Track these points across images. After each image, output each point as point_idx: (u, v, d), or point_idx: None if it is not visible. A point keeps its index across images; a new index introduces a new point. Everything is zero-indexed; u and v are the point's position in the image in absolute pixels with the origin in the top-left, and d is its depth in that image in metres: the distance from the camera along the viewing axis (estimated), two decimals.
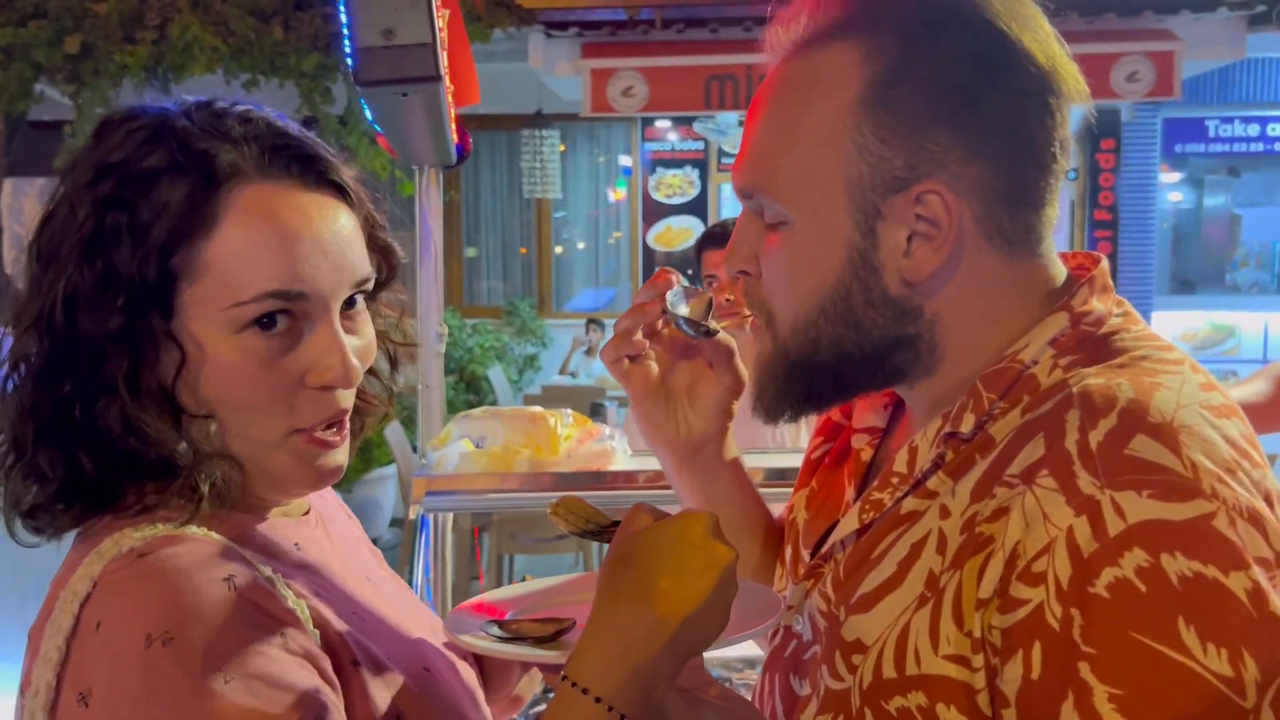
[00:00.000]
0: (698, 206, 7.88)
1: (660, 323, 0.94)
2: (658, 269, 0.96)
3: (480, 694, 0.96)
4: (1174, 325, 8.13)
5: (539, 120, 7.64)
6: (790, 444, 2.28)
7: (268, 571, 0.77)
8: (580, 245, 9.06)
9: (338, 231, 0.81)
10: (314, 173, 0.82)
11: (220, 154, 0.77)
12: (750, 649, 1.01)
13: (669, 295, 0.92)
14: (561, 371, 7.54)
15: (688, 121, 7.55)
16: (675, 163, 7.89)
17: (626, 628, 0.69)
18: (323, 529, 0.92)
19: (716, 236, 2.32)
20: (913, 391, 0.84)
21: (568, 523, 0.87)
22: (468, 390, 7.53)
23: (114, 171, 0.77)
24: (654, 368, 0.95)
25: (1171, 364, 0.75)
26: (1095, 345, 0.77)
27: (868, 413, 0.93)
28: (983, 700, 0.70)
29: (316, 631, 0.78)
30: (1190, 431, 0.68)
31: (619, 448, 1.69)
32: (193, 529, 0.77)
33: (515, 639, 0.81)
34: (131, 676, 0.69)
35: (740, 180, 0.82)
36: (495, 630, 0.82)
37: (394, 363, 0.96)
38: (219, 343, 0.77)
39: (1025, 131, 0.76)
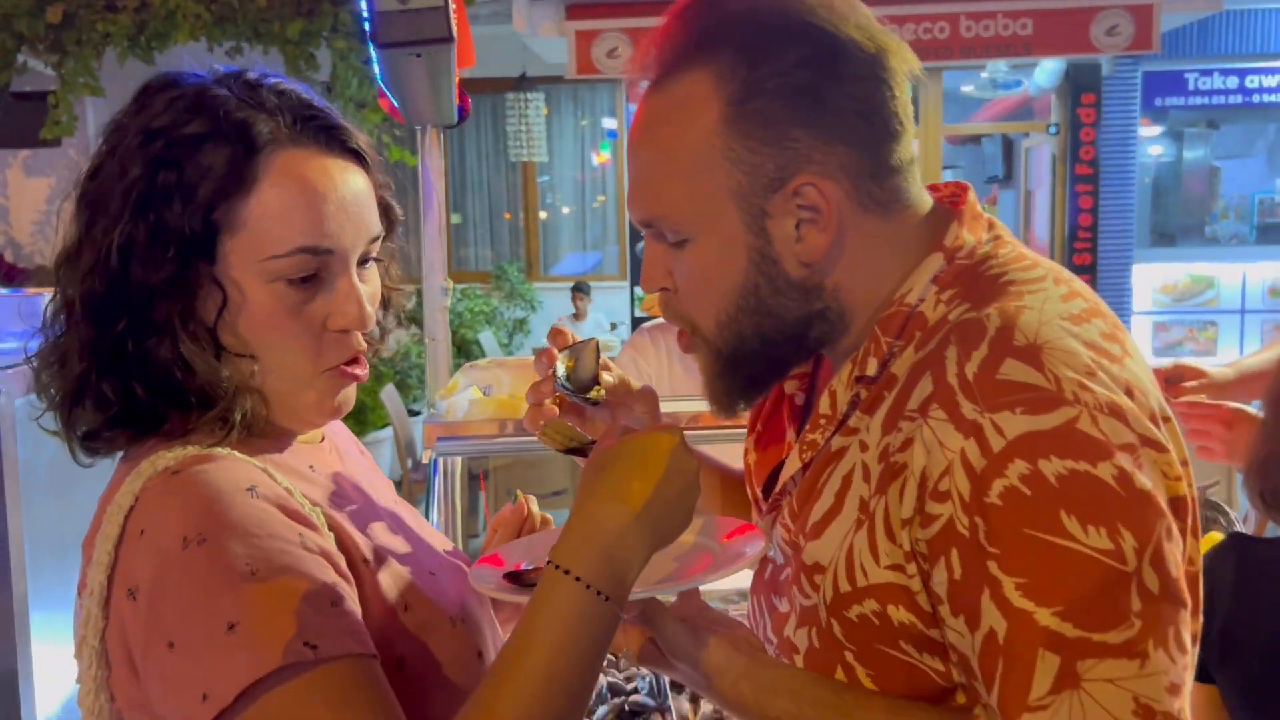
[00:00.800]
0: None
1: (555, 398, 1.04)
2: (551, 332, 1.06)
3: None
4: (1153, 278, 8.22)
5: (523, 83, 7.63)
6: None
7: (286, 483, 0.86)
8: (565, 210, 9.08)
9: (358, 193, 0.90)
10: (336, 140, 0.91)
11: (258, 123, 0.86)
12: (742, 581, 1.11)
13: (558, 371, 1.03)
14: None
15: None
16: None
17: (603, 521, 0.81)
18: (335, 455, 1.01)
19: None
20: (835, 350, 0.93)
21: (555, 441, 1.01)
22: (459, 354, 7.59)
23: (162, 135, 0.84)
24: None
25: (1034, 282, 0.85)
26: (970, 275, 0.87)
27: None
28: (921, 599, 0.82)
29: (331, 534, 0.86)
30: (1051, 346, 0.78)
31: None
32: (220, 450, 0.85)
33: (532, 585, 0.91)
34: (172, 574, 0.77)
35: (636, 214, 0.91)
36: (513, 583, 0.92)
37: (386, 304, 1.04)
38: (254, 289, 0.86)
39: (869, 111, 0.85)
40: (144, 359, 0.85)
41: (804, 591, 0.90)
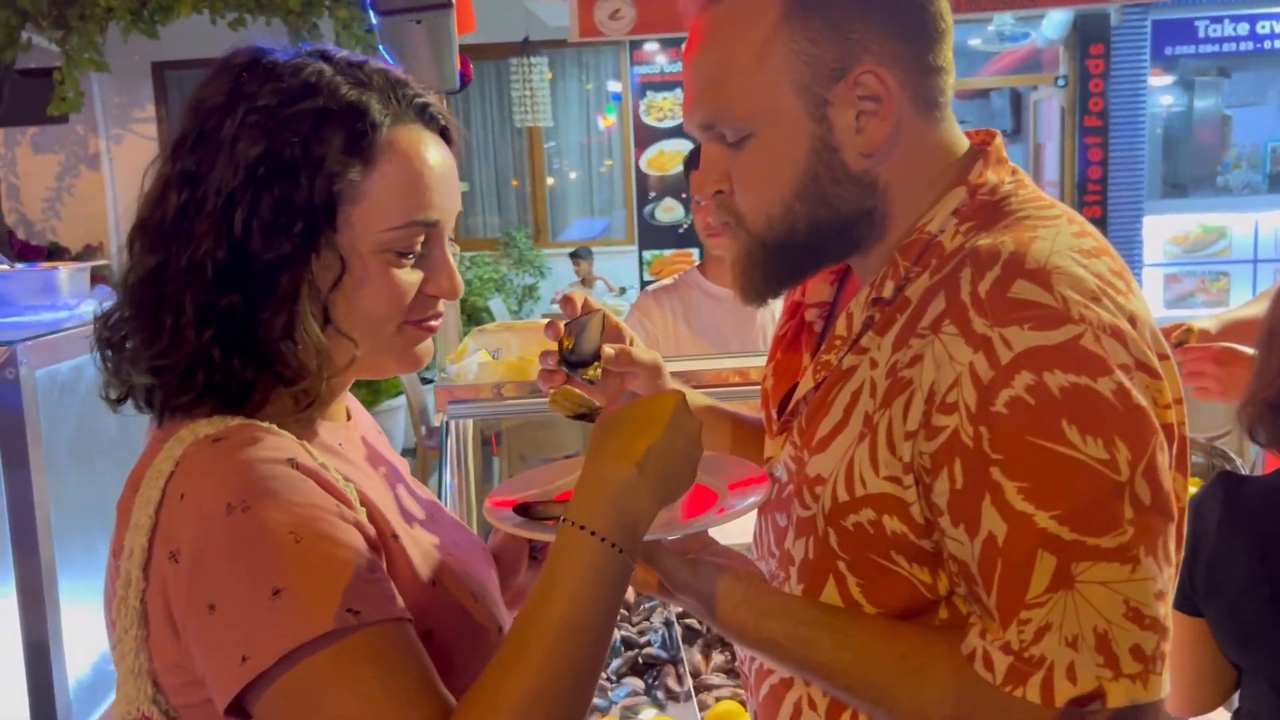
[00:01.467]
0: None
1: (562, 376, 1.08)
2: (561, 300, 1.11)
3: (494, 572, 1.10)
4: (1165, 229, 8.17)
5: (527, 47, 7.61)
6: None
7: (321, 458, 0.88)
8: (573, 175, 9.06)
9: (452, 168, 0.95)
10: (431, 117, 0.94)
11: (372, 100, 0.89)
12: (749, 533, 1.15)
13: (562, 356, 1.08)
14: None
15: (677, 43, 7.51)
16: (665, 85, 7.84)
17: (612, 479, 0.84)
18: (359, 433, 1.03)
19: (696, 158, 2.44)
20: (865, 261, 0.98)
21: (564, 408, 1.05)
22: (469, 322, 7.63)
23: (280, 111, 0.86)
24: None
25: (1049, 219, 0.90)
26: (990, 210, 0.92)
27: (818, 289, 1.09)
28: (915, 510, 0.87)
29: (363, 509, 0.89)
30: (1060, 271, 0.83)
31: None
32: (261, 423, 0.87)
33: (544, 518, 0.95)
34: (216, 539, 0.79)
35: (698, 118, 0.94)
36: (526, 516, 0.96)
37: None
38: (368, 259, 0.89)
39: (918, 7, 0.91)
40: (256, 330, 0.87)
41: (804, 503, 0.95)
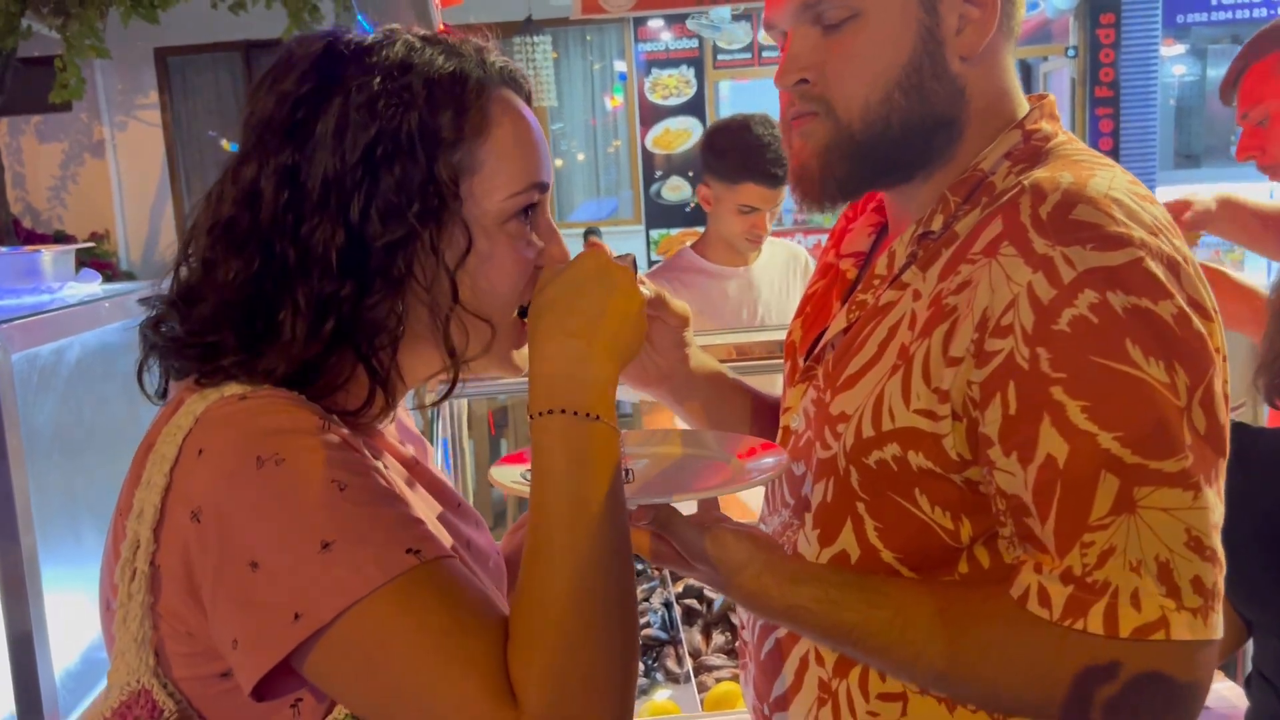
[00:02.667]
0: (695, 106, 7.83)
1: None
2: (589, 242, 1.04)
3: (503, 576, 1.05)
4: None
5: (529, 26, 7.55)
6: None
7: (346, 432, 0.82)
8: (580, 156, 9.03)
9: (541, 132, 0.91)
10: (516, 82, 0.90)
11: (470, 68, 0.85)
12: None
13: None
14: None
15: (680, 19, 7.46)
16: (670, 63, 7.81)
17: (559, 357, 0.80)
18: (395, 429, 0.99)
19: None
20: (915, 197, 0.96)
21: None
22: None
23: (384, 89, 0.81)
24: None
25: (1105, 165, 0.89)
26: (1039, 153, 0.92)
27: (856, 239, 1.07)
28: (948, 443, 0.86)
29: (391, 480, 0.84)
30: (1120, 202, 0.82)
31: None
32: (288, 392, 0.81)
33: None
34: (246, 493, 0.74)
35: None
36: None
37: None
38: (492, 231, 0.86)
39: None
40: (368, 319, 0.82)
41: (825, 443, 0.94)
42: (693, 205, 7.78)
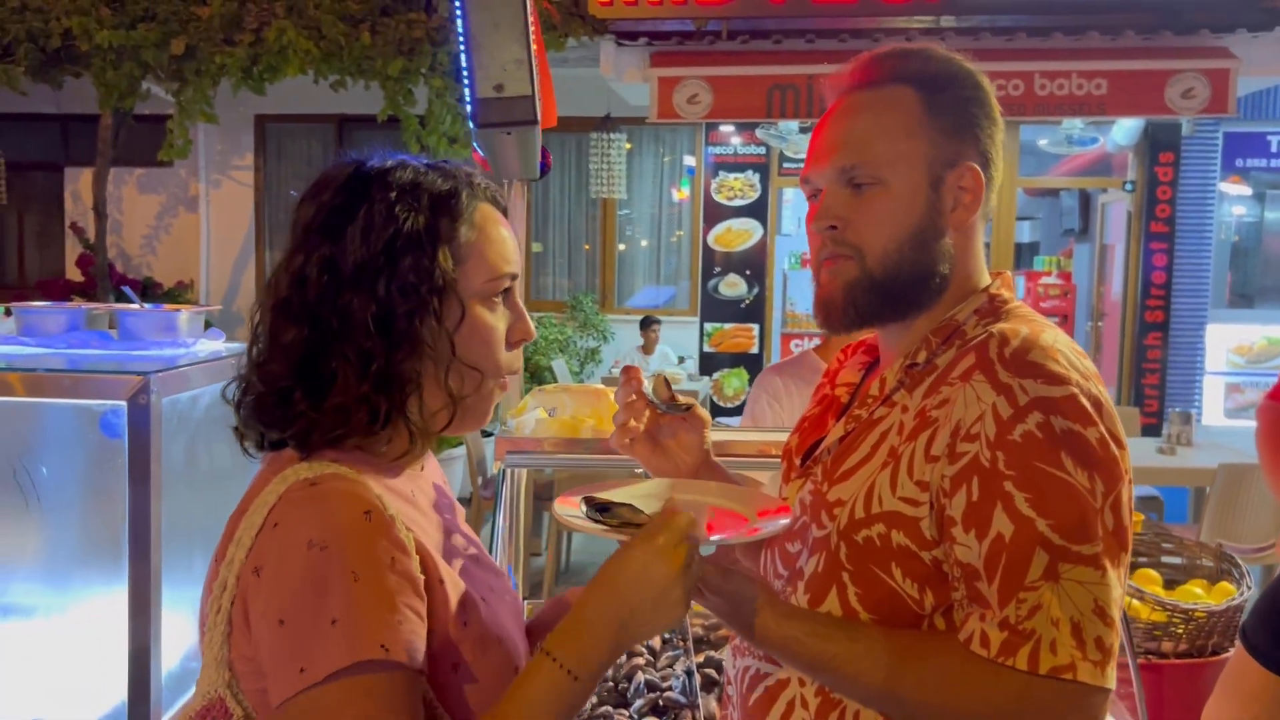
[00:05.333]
0: (758, 209, 8.09)
1: (646, 412, 1.33)
2: (625, 368, 1.34)
3: (521, 619, 1.27)
4: (1228, 338, 8.15)
5: (607, 123, 7.91)
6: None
7: (392, 511, 1.05)
8: (644, 243, 9.34)
9: (515, 236, 1.19)
10: (497, 200, 1.18)
11: (461, 187, 1.13)
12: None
13: (645, 390, 1.32)
14: (619, 365, 7.84)
15: (751, 127, 7.78)
16: (737, 166, 8.10)
17: (598, 629, 1.00)
18: (428, 484, 1.21)
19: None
20: (903, 337, 1.21)
21: (660, 391, 1.31)
22: (532, 380, 7.86)
23: (397, 203, 1.08)
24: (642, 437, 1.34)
25: (1050, 326, 1.15)
26: (1002, 313, 1.18)
27: (849, 374, 1.35)
28: (924, 525, 1.09)
29: (417, 557, 1.03)
30: (1063, 353, 1.09)
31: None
32: (349, 472, 1.03)
33: (606, 518, 1.10)
34: (295, 566, 0.97)
35: (842, 160, 1.18)
36: (591, 511, 1.11)
37: None
38: (474, 305, 1.11)
39: (994, 139, 1.21)
40: (397, 373, 1.07)
41: (820, 524, 1.17)
42: (747, 302, 8.02)
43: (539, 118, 1.48)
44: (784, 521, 1.16)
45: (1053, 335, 1.11)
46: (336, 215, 1.08)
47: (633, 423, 1.33)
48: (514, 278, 1.15)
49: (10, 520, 1.81)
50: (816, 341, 2.76)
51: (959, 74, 1.21)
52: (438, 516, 1.17)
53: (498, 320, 1.14)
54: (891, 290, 1.17)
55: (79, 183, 9.16)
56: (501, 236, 1.14)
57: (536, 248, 9.33)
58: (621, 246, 9.33)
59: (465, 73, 1.48)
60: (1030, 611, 1.01)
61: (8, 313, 2.14)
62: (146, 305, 2.19)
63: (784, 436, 1.41)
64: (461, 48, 1.47)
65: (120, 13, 6.97)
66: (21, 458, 1.81)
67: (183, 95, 7.13)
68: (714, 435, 1.39)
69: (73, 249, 9.18)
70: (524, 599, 2.27)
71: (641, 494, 1.22)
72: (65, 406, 1.76)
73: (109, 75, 7.04)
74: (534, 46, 1.72)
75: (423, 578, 1.03)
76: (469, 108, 1.46)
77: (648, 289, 9.33)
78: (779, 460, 1.41)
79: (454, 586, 1.09)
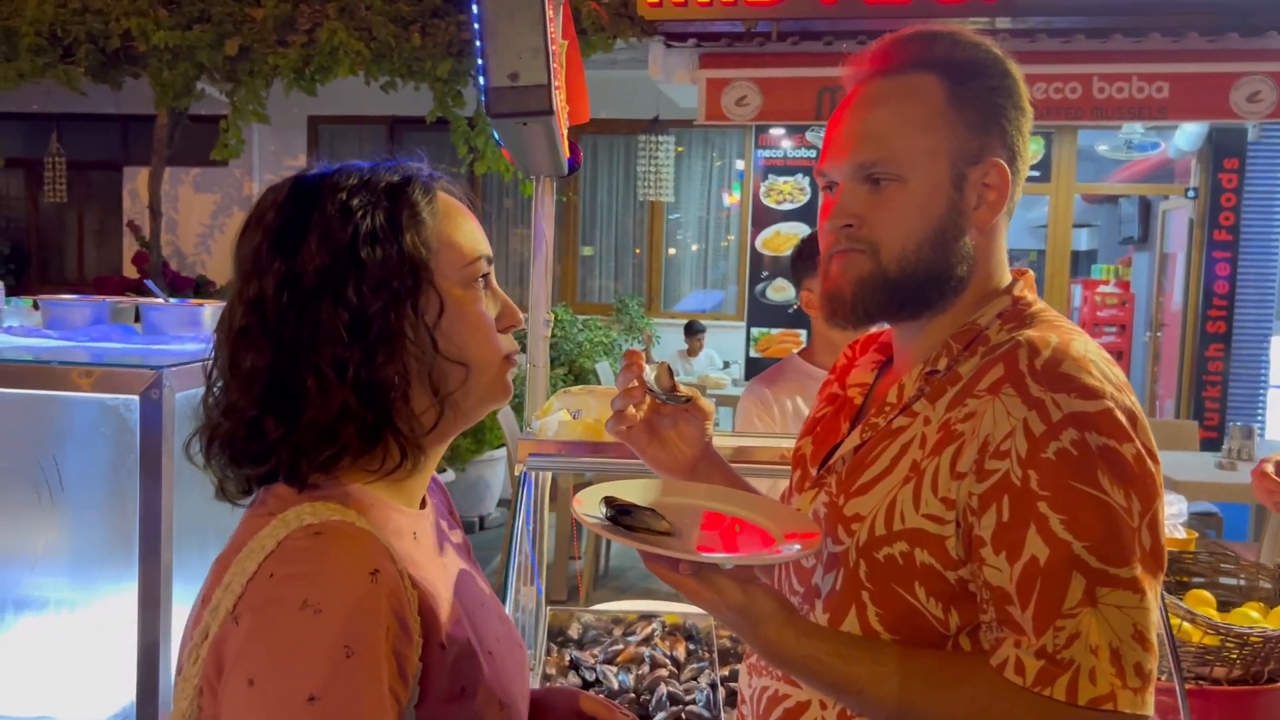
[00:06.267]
0: (807, 213, 7.99)
1: (646, 400, 1.28)
2: (628, 351, 1.29)
3: (526, 672, 1.17)
4: None
5: (655, 126, 7.90)
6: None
7: (399, 563, 0.95)
8: (694, 247, 9.29)
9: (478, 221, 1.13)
10: (452, 189, 1.11)
11: (414, 176, 1.06)
12: None
13: (646, 378, 1.27)
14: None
15: (801, 130, 7.70)
16: (787, 169, 8.02)
17: None
18: (431, 522, 1.11)
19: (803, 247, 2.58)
20: (918, 340, 1.15)
21: (663, 379, 1.26)
22: (575, 382, 7.84)
23: (351, 202, 1.01)
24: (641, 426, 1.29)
25: (1079, 331, 1.10)
26: (1026, 317, 1.12)
27: (861, 373, 1.27)
28: (950, 544, 1.03)
29: (419, 618, 0.95)
30: (1095, 363, 1.03)
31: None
32: (355, 519, 0.95)
33: (619, 524, 1.05)
34: (280, 624, 0.87)
35: (859, 157, 1.11)
36: (609, 513, 1.06)
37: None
38: (458, 293, 1.04)
39: (1022, 130, 1.14)
40: (379, 379, 0.98)
41: (837, 539, 1.11)
42: (794, 308, 7.93)
43: (555, 108, 1.44)
44: (797, 549, 1.07)
45: (1083, 344, 1.06)
46: (287, 229, 1.00)
47: (631, 410, 1.27)
48: (490, 261, 1.09)
49: (29, 514, 1.80)
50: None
51: (986, 61, 1.14)
52: (441, 559, 1.09)
53: (486, 305, 1.08)
54: (904, 290, 1.12)
55: (137, 181, 9.33)
56: (470, 219, 1.09)
57: (587, 251, 9.32)
58: (671, 250, 9.29)
59: (480, 60, 1.44)
60: (1068, 640, 0.96)
61: (35, 306, 2.14)
62: (171, 300, 2.18)
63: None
64: (477, 39, 1.43)
65: (177, 13, 7.08)
66: (43, 451, 1.80)
67: (236, 95, 7.23)
68: (736, 441, 1.34)
69: (130, 247, 9.35)
70: (548, 605, 2.23)
71: (666, 499, 1.15)
72: (87, 400, 1.75)
73: (165, 75, 7.15)
74: (556, 37, 1.67)
75: (421, 641, 0.95)
76: (483, 98, 1.42)
77: (695, 293, 9.29)
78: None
79: (457, 649, 1.00)
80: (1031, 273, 1.19)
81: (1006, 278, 1.17)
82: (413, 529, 1.05)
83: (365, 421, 0.99)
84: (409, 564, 0.98)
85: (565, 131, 1.93)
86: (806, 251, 2.56)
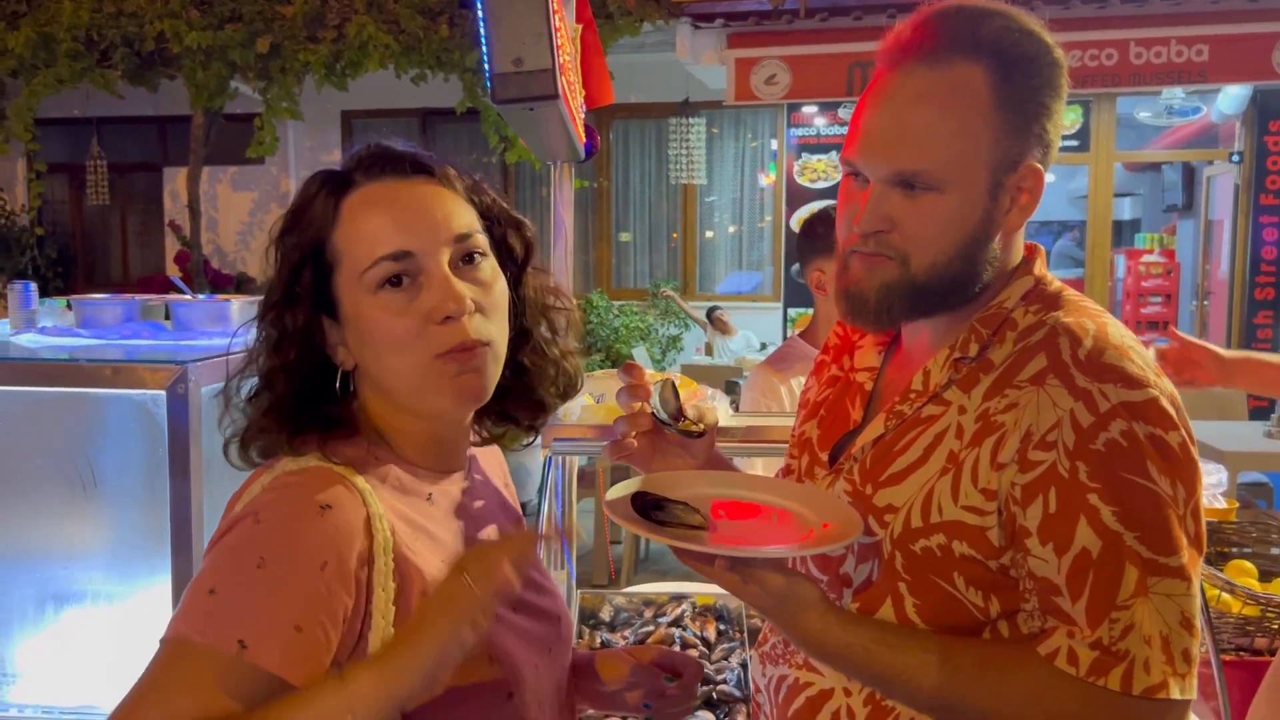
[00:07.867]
0: None
1: (649, 425, 1.22)
2: (627, 365, 1.22)
3: (558, 643, 1.17)
4: None
5: (686, 108, 7.86)
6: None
7: (377, 509, 0.98)
8: (731, 229, 9.25)
9: (423, 200, 1.05)
10: (407, 165, 1.07)
11: (316, 188, 1.07)
12: None
13: (652, 403, 1.20)
14: (705, 352, 7.80)
15: (834, 107, 7.63)
16: (820, 148, 7.94)
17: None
18: (460, 493, 1.12)
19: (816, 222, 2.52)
20: (935, 327, 1.13)
21: (669, 402, 1.19)
22: (613, 368, 7.83)
23: (284, 223, 1.08)
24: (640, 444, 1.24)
25: (1101, 311, 1.08)
26: (1050, 298, 1.10)
27: (868, 355, 1.24)
28: (992, 535, 1.02)
29: (390, 555, 0.98)
30: (1134, 349, 1.03)
31: (720, 406, 1.94)
32: (337, 467, 1.00)
33: (653, 518, 1.03)
34: (228, 535, 0.95)
35: (899, 164, 1.05)
36: (639, 505, 1.04)
37: (554, 329, 1.18)
38: (366, 300, 1.02)
39: (1056, 117, 1.08)
40: (321, 380, 1.06)
41: (869, 530, 1.08)
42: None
43: (559, 92, 1.43)
44: (850, 540, 1.04)
45: (1118, 329, 1.05)
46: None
47: (631, 438, 1.22)
48: (401, 258, 1.02)
49: (66, 510, 1.84)
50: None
51: (1035, 55, 1.06)
52: (457, 522, 1.09)
53: (393, 306, 1.02)
54: (930, 296, 1.09)
55: (176, 182, 9.47)
56: (380, 216, 1.03)
57: (625, 237, 9.31)
58: (709, 234, 9.25)
59: (484, 46, 1.44)
60: (1124, 632, 0.96)
61: (69, 306, 2.18)
62: (200, 296, 2.21)
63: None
64: (480, 26, 1.43)
65: (208, 14, 7.16)
66: (78, 448, 1.84)
67: (269, 93, 7.30)
68: (747, 421, 1.32)
69: (172, 246, 9.50)
70: (590, 588, 2.24)
71: (698, 490, 1.12)
72: (118, 397, 1.78)
73: (199, 76, 7.24)
74: (567, 21, 1.67)
75: (394, 610, 0.97)
76: (489, 84, 1.42)
77: (733, 275, 9.25)
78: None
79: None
80: (1042, 247, 1.17)
81: (1020, 254, 1.14)
82: (427, 490, 1.08)
83: (297, 413, 1.05)
84: (403, 520, 1.01)
85: (578, 116, 1.92)
86: (819, 229, 2.48)
